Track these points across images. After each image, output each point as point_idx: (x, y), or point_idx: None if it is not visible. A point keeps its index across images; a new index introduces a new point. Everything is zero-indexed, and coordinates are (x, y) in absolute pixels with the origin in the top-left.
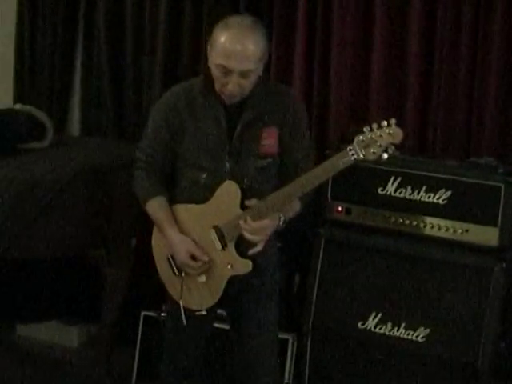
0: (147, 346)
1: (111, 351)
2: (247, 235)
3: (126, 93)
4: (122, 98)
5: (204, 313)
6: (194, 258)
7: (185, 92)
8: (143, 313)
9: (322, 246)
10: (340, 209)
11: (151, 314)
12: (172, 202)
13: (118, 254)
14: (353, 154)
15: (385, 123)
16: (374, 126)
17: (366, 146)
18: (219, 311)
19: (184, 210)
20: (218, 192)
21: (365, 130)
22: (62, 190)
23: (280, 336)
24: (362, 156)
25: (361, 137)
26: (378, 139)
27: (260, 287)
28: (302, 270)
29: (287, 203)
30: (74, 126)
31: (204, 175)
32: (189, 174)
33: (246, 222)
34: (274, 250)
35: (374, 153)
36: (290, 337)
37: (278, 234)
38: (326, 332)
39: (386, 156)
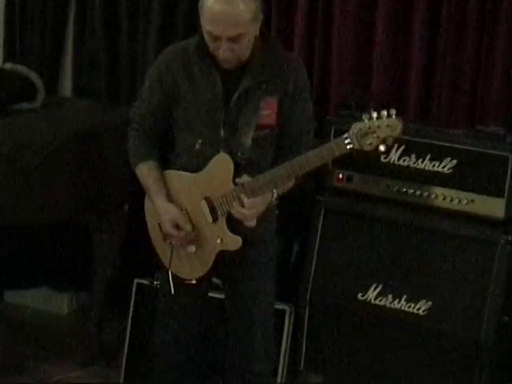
0: (140, 315)
1: (102, 320)
2: (238, 214)
3: (121, 53)
4: (117, 59)
5: (193, 282)
6: (178, 227)
7: (180, 52)
8: (136, 280)
9: (322, 215)
10: (341, 176)
11: (144, 281)
12: (166, 167)
13: (109, 219)
14: (349, 143)
15: (385, 113)
16: (374, 114)
17: (363, 136)
18: (214, 280)
19: (176, 177)
20: (211, 164)
21: (364, 117)
22: (53, 153)
23: (277, 306)
24: (358, 146)
25: (359, 125)
26: (376, 130)
27: (256, 258)
28: (300, 239)
29: (278, 185)
30: (66, 87)
31: (199, 141)
32: (184, 138)
33: (239, 199)
34: (271, 220)
35: (370, 144)
36: (287, 307)
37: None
38: (324, 303)
39: (383, 148)
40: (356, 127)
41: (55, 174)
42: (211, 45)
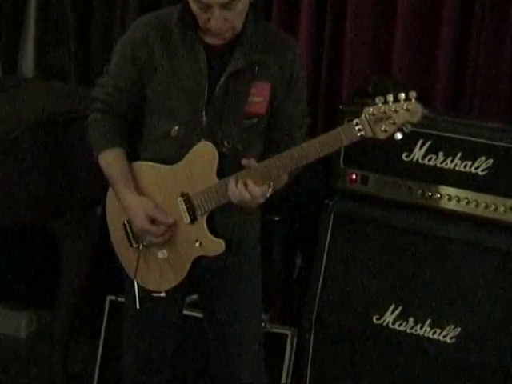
0: (113, 337)
1: (68, 344)
2: (242, 201)
3: (94, 28)
4: (88, 34)
5: (162, 295)
6: (154, 222)
7: (159, 22)
8: (109, 297)
9: (331, 222)
10: (354, 177)
11: (119, 299)
12: (134, 158)
13: (79, 224)
14: (359, 130)
15: (402, 96)
16: (389, 97)
17: (377, 122)
18: (190, 296)
19: (148, 170)
20: (191, 154)
21: (377, 101)
22: (12, 145)
23: (276, 330)
24: (370, 133)
25: (371, 109)
26: (393, 115)
27: (238, 266)
28: (304, 250)
29: (278, 175)
30: (27, 67)
31: (176, 127)
32: (157, 123)
33: (246, 185)
34: (255, 222)
35: (385, 131)
36: (288, 332)
37: (276, 206)
38: (333, 327)
39: (399, 136)
40: (368, 111)
41: (15, 169)
42: (201, 16)
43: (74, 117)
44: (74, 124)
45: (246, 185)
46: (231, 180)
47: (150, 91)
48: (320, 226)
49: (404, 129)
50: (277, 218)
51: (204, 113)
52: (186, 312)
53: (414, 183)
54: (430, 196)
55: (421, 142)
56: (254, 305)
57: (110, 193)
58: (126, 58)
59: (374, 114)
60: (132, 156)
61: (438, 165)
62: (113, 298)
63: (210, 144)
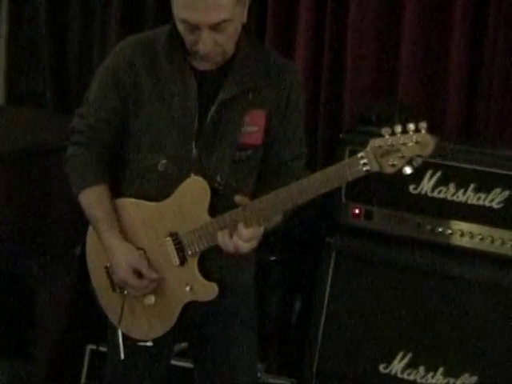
0: None
1: None
2: (233, 246)
3: (70, 47)
4: (65, 55)
5: (149, 344)
6: (138, 274)
7: (144, 45)
8: (89, 346)
9: (333, 261)
10: (357, 212)
11: (101, 348)
12: (117, 194)
13: (55, 266)
14: (365, 164)
15: (412, 127)
16: (397, 128)
17: (384, 155)
18: (178, 345)
19: (133, 207)
20: (181, 190)
21: (384, 132)
22: None
23: (274, 382)
24: (377, 168)
25: (377, 141)
26: (401, 148)
27: (233, 311)
28: (304, 292)
29: (274, 213)
30: None
31: (163, 161)
32: (142, 157)
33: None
34: (249, 263)
35: (393, 165)
36: (288, 383)
37: (272, 244)
38: (336, 377)
39: (409, 171)
40: (374, 144)
41: None
42: (188, 38)
43: (50, 148)
44: (51, 155)
45: (236, 231)
46: (218, 234)
47: (134, 122)
48: (321, 266)
49: (414, 163)
50: (273, 258)
51: (194, 145)
52: (174, 362)
53: (422, 218)
54: (441, 232)
55: (430, 173)
56: (249, 354)
57: (90, 231)
58: (108, 85)
59: (380, 147)
60: (115, 192)
61: (449, 198)
62: (93, 347)
63: (200, 179)
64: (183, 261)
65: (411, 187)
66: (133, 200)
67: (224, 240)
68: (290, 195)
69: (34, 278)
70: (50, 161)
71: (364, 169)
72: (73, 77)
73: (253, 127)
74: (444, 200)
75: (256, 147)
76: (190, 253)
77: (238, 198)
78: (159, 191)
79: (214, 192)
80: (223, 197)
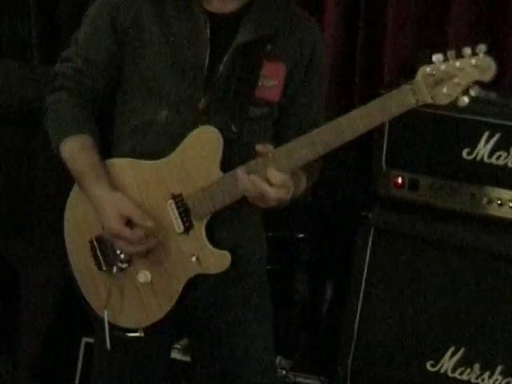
0: None
1: None
2: (259, 194)
3: None
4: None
5: (140, 334)
6: (129, 224)
7: None
8: (84, 339)
9: (371, 239)
10: (400, 181)
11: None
12: (108, 155)
13: (45, 247)
14: (414, 94)
15: (468, 51)
16: (450, 54)
17: (437, 84)
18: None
19: (127, 168)
20: (186, 143)
21: (435, 59)
22: None
23: (302, 381)
24: (428, 98)
25: (428, 69)
26: (457, 73)
27: (242, 299)
28: (337, 276)
29: (303, 160)
30: None
31: (164, 112)
32: (140, 108)
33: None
34: (262, 236)
35: (448, 95)
36: (317, 382)
37: (299, 219)
38: (375, 376)
39: (466, 100)
40: (425, 71)
41: None
42: None
43: (36, 108)
44: (37, 116)
45: (263, 172)
46: (241, 170)
47: (130, 67)
48: (356, 245)
49: (471, 92)
50: (301, 236)
51: (202, 96)
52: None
53: (477, 189)
54: (499, 205)
55: (487, 135)
56: (264, 347)
57: (70, 201)
58: (102, 22)
59: (432, 75)
60: (105, 150)
61: (510, 164)
62: (89, 340)
63: (212, 128)
64: (188, 227)
65: (465, 152)
66: (126, 160)
67: (249, 183)
68: (322, 136)
69: (21, 259)
70: (36, 122)
71: (413, 100)
72: (62, 23)
73: (270, 81)
74: (504, 167)
75: (272, 105)
76: (196, 217)
77: (259, 147)
78: (159, 148)
79: (228, 143)
80: (239, 150)
